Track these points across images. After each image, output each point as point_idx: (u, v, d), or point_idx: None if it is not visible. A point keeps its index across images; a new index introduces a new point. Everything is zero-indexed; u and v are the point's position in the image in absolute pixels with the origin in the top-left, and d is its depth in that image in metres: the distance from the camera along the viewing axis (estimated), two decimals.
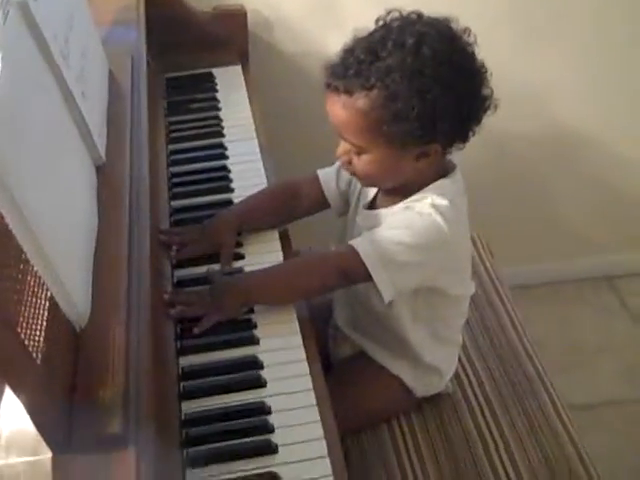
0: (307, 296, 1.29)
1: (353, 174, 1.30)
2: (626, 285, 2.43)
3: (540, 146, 2.17)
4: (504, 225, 2.21)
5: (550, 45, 2.02)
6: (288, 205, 1.42)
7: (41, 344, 0.83)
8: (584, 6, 1.98)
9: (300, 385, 1.12)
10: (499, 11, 1.94)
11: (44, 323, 0.85)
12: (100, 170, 1.18)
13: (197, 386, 1.11)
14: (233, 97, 1.75)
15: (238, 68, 1.83)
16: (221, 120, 1.67)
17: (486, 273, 1.76)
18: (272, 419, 1.07)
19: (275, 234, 1.39)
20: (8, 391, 0.82)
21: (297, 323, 1.21)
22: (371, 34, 1.22)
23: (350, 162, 1.26)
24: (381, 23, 1.23)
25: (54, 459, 0.80)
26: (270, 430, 1.06)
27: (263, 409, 1.08)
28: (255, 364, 1.14)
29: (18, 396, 0.76)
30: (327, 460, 1.02)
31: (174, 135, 1.62)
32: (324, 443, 1.04)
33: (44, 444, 0.80)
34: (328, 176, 1.42)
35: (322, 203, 1.44)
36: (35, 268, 0.87)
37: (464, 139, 1.26)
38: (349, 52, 1.21)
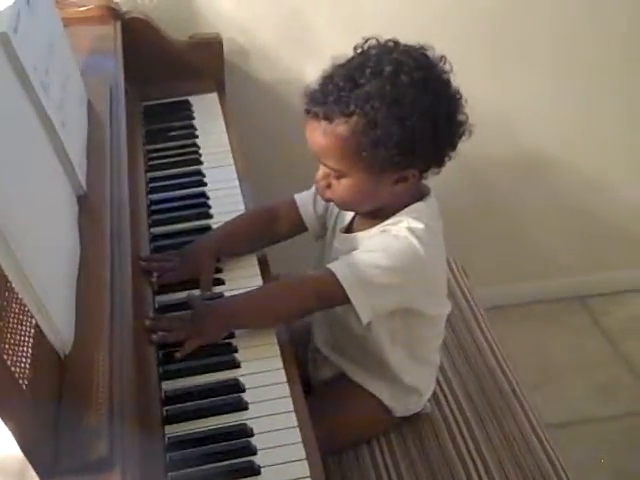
0: (287, 319, 1.31)
1: (329, 200, 1.33)
2: (598, 305, 2.46)
3: (511, 169, 2.21)
4: (478, 248, 2.25)
5: (519, 70, 2.07)
6: (266, 229, 1.44)
7: (27, 370, 0.84)
8: (551, 32, 2.04)
9: (281, 407, 1.13)
10: (470, 38, 1.98)
11: (29, 350, 0.87)
12: (81, 199, 1.20)
13: (180, 410, 1.12)
14: (210, 124, 1.77)
15: (215, 96, 1.86)
16: (199, 147, 1.69)
17: (461, 294, 1.79)
18: (254, 441, 1.08)
19: (254, 259, 1.40)
20: None
21: (277, 346, 1.22)
22: (349, 61, 1.25)
23: (329, 186, 1.28)
24: (359, 50, 1.26)
25: None
26: (253, 452, 1.07)
27: (245, 431, 1.09)
28: (237, 387, 1.15)
29: (5, 421, 0.77)
30: None
31: (152, 163, 1.64)
32: (306, 464, 1.05)
33: (31, 468, 0.81)
34: (305, 200, 1.45)
35: (300, 227, 1.46)
36: (20, 296, 0.88)
37: (440, 164, 1.29)
38: (328, 79, 1.23)
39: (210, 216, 1.49)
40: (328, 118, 1.21)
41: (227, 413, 1.12)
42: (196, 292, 1.31)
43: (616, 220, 2.35)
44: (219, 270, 1.37)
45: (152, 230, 1.45)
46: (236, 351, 1.22)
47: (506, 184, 2.24)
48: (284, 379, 1.17)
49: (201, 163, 1.64)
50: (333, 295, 1.26)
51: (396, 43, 1.26)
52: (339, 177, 1.26)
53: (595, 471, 1.95)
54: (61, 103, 1.23)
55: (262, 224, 1.45)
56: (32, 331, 0.89)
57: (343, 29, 1.88)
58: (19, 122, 1.06)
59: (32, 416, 0.83)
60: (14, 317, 0.86)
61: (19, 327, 0.86)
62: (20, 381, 0.82)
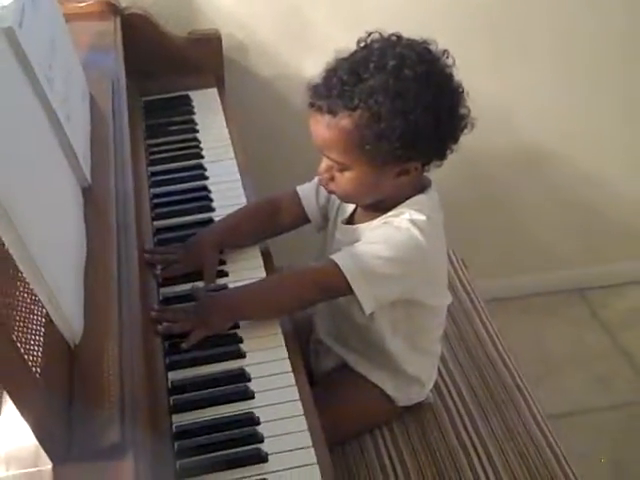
0: (290, 310, 1.32)
1: (332, 192, 1.34)
2: (597, 297, 2.48)
3: (511, 163, 2.22)
4: (478, 240, 2.26)
5: (519, 64, 2.08)
6: (268, 221, 1.45)
7: (39, 359, 0.85)
8: (551, 27, 2.05)
9: (287, 396, 1.14)
10: (470, 33, 1.99)
11: (41, 339, 0.88)
12: (86, 191, 1.21)
13: (187, 399, 1.13)
14: (210, 119, 1.78)
15: (214, 91, 1.87)
16: (199, 142, 1.70)
17: (462, 286, 1.80)
18: (261, 429, 1.09)
19: (257, 251, 1.41)
20: (5, 405, 0.85)
21: (282, 336, 1.24)
22: (353, 55, 1.25)
23: (332, 179, 1.29)
24: (362, 44, 1.27)
25: (55, 470, 0.82)
26: (260, 440, 1.08)
27: (252, 420, 1.10)
28: (243, 377, 1.17)
29: (20, 409, 0.78)
30: (316, 467, 1.05)
31: (154, 157, 1.65)
32: (312, 451, 1.07)
33: (43, 455, 0.82)
34: (307, 191, 1.46)
35: (302, 218, 1.47)
36: (31, 286, 0.89)
37: (442, 157, 1.30)
38: (332, 72, 1.24)
39: (212, 209, 1.50)
40: (332, 112, 1.22)
41: (234, 402, 1.13)
42: (200, 284, 1.32)
43: (615, 213, 2.36)
44: (223, 262, 1.38)
45: (155, 223, 1.46)
46: (241, 341, 1.23)
47: (506, 177, 2.25)
48: (289, 368, 1.19)
49: (202, 157, 1.65)
50: (336, 286, 1.27)
51: (399, 37, 1.27)
52: (342, 170, 1.27)
53: (595, 461, 1.97)
54: (65, 97, 1.24)
55: (265, 216, 1.46)
56: (43, 321, 0.90)
57: (342, 25, 1.89)
58: (26, 116, 1.07)
59: (45, 404, 0.84)
60: (26, 307, 0.87)
61: (31, 317, 0.88)
62: (33, 369, 0.83)
